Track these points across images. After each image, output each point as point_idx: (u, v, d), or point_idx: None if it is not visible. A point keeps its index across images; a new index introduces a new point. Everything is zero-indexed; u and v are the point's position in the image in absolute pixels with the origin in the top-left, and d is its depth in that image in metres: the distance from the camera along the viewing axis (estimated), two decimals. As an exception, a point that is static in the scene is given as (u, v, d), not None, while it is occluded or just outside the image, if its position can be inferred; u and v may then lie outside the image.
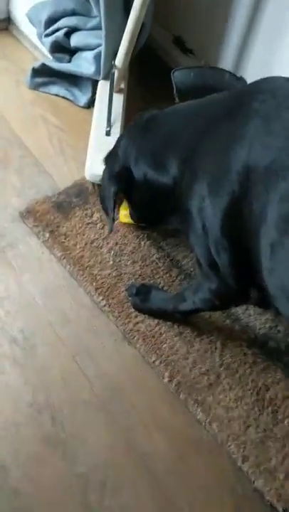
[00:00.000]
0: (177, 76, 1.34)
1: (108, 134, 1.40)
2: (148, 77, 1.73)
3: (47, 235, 1.31)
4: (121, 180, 1.12)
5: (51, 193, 1.41)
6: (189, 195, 0.97)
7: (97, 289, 1.24)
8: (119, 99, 1.52)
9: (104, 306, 1.22)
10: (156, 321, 1.21)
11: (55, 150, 1.53)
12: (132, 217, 1.30)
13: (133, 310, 1.21)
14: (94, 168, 1.34)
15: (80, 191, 1.40)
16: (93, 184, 1.35)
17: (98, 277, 1.26)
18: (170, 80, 1.36)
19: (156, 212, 1.17)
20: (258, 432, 1.09)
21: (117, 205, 1.18)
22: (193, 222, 0.96)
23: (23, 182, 1.44)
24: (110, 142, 1.35)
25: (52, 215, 1.34)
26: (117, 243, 1.32)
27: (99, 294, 1.23)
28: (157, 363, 1.16)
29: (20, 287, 1.25)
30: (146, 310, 1.20)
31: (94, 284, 1.24)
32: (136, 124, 1.15)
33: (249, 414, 1.11)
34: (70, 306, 1.23)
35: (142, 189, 1.11)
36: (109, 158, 1.19)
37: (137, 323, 1.20)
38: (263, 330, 1.22)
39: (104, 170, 1.19)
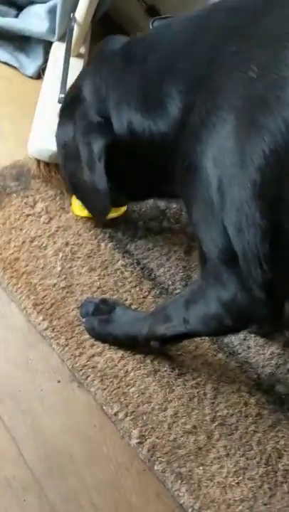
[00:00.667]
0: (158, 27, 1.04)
1: (60, 101, 1.06)
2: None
3: None
4: (105, 128, 0.74)
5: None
6: (199, 138, 0.62)
7: (36, 305, 0.86)
8: (77, 65, 1.19)
9: (46, 329, 0.84)
10: (120, 352, 0.83)
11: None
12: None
13: (88, 336, 0.84)
14: (41, 141, 0.97)
15: (19, 174, 1.03)
16: (38, 162, 0.98)
17: (39, 288, 0.88)
18: None
19: (144, 182, 0.80)
20: (270, 525, 0.75)
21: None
22: (202, 184, 0.62)
23: None
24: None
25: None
26: (67, 243, 0.95)
27: (38, 312, 0.85)
28: (121, 415, 0.78)
29: None
30: (107, 337, 0.83)
31: (32, 297, 0.86)
32: (106, 54, 0.78)
33: (256, 495, 0.76)
34: (-5, 330, 0.86)
35: (124, 149, 0.74)
36: (71, 106, 0.81)
37: (93, 355, 0.83)
38: (268, 368, 0.88)
39: (70, 125, 0.80)
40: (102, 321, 0.83)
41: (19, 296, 0.87)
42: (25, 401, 0.78)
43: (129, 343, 0.83)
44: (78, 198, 0.89)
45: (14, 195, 0.99)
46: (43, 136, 0.98)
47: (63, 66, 1.11)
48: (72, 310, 0.87)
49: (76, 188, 0.84)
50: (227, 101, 0.60)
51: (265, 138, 0.55)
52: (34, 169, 1.00)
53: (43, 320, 0.84)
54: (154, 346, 0.80)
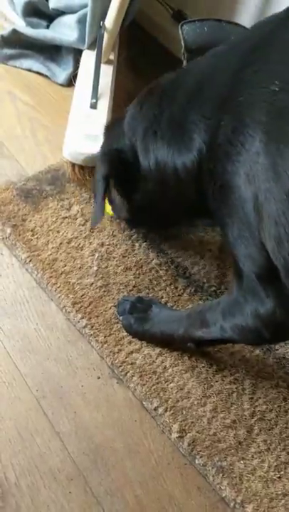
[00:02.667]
0: (187, 30, 1.04)
1: (94, 106, 1.08)
2: (139, 59, 1.43)
3: (8, 230, 0.95)
4: (115, 161, 0.79)
5: (16, 178, 1.07)
6: (229, 158, 0.63)
7: (75, 303, 0.88)
8: (107, 71, 1.21)
9: (85, 327, 0.86)
10: (157, 349, 0.84)
11: (24, 131, 1.19)
12: (127, 222, 0.95)
13: (125, 334, 0.86)
14: (74, 144, 0.99)
15: (54, 178, 1.06)
16: (73, 166, 1.01)
17: (77, 288, 0.90)
18: (164, 64, 1.07)
19: (170, 213, 0.83)
20: (313, 519, 0.74)
21: (108, 192, 0.82)
22: (238, 202, 0.62)
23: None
24: (95, 116, 1.05)
25: (16, 206, 0.99)
26: (103, 244, 0.97)
27: (77, 310, 0.87)
28: (161, 410, 0.79)
29: None
30: (144, 334, 0.84)
31: (71, 296, 0.88)
32: (150, 90, 0.81)
33: (298, 489, 0.76)
34: (36, 327, 0.86)
35: (150, 180, 0.77)
36: (111, 129, 0.86)
37: (131, 352, 0.84)
38: (306, 364, 0.89)
39: (102, 143, 0.86)
40: (138, 319, 0.84)
41: (58, 296, 0.89)
42: (67, 397, 0.79)
43: (166, 341, 0.84)
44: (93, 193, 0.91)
45: (50, 198, 1.02)
46: (76, 140, 1.01)
47: (94, 72, 1.13)
48: (110, 308, 0.88)
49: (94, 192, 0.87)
50: (252, 117, 0.61)
51: None
52: (69, 172, 1.02)
53: (82, 318, 0.86)
54: (190, 347, 0.81)
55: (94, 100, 1.09)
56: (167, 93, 0.77)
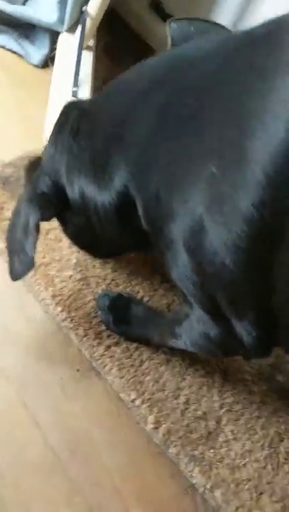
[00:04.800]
0: (175, 28, 1.03)
1: (75, 95, 1.06)
2: (115, 49, 1.41)
3: (-15, 218, 0.95)
4: (46, 204, 0.75)
5: (-5, 165, 1.05)
6: (163, 213, 0.62)
7: (54, 296, 0.89)
8: (87, 58, 1.18)
9: (65, 320, 0.87)
10: (135, 343, 0.88)
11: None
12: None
13: (104, 328, 0.88)
14: None
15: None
16: None
17: (56, 280, 0.90)
18: (139, 52, 1.06)
19: (109, 244, 0.82)
20: (274, 502, 0.80)
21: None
22: (179, 255, 0.63)
23: None
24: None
25: (-6, 193, 0.98)
26: (81, 236, 0.98)
27: (57, 303, 0.87)
28: (138, 402, 0.82)
29: None
30: (121, 333, 0.86)
31: (50, 289, 0.88)
32: (65, 121, 0.77)
33: (261, 474, 0.82)
34: (14, 320, 0.86)
35: (81, 213, 0.75)
36: (30, 172, 0.82)
37: (110, 346, 0.86)
38: (269, 359, 0.94)
39: (25, 189, 0.81)
40: (117, 319, 0.86)
41: (37, 288, 0.88)
42: (46, 388, 0.80)
43: (143, 342, 0.86)
44: (7, 248, 0.80)
45: (28, 187, 1.01)
46: None
47: (76, 59, 1.11)
48: (89, 301, 0.89)
49: (9, 239, 0.80)
50: (190, 175, 0.59)
51: (249, 217, 0.55)
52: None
53: (62, 311, 0.87)
54: (165, 351, 0.85)
55: (75, 88, 1.07)
56: (88, 123, 0.73)
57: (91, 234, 0.76)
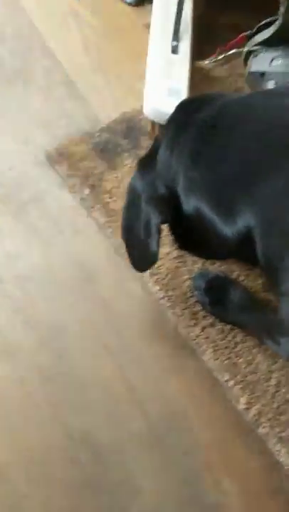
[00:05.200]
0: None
1: (175, 51, 0.99)
2: None
3: (86, 190, 0.93)
4: (166, 207, 0.74)
5: (89, 127, 1.02)
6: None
7: (152, 274, 0.91)
8: (186, 6, 1.08)
9: (162, 298, 0.89)
10: (229, 325, 0.89)
11: (94, 64, 1.11)
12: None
13: (200, 308, 0.91)
14: (157, 101, 0.92)
15: (129, 130, 1.01)
16: (153, 124, 0.95)
17: (155, 257, 0.93)
18: None
19: (217, 252, 0.81)
20: None
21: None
22: None
23: (49, 107, 1.03)
24: (177, 64, 0.96)
25: (93, 162, 0.96)
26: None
27: (155, 281, 0.89)
28: (231, 383, 0.86)
29: (47, 263, 0.89)
30: (217, 316, 0.87)
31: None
32: (184, 124, 0.73)
33: None
34: (114, 295, 0.89)
35: (193, 223, 0.74)
36: (147, 163, 0.78)
37: (205, 327, 0.88)
38: None
39: (140, 180, 0.78)
40: (213, 302, 0.86)
41: (136, 264, 0.91)
42: (146, 365, 0.85)
43: (238, 327, 0.87)
44: (125, 241, 0.82)
45: (126, 154, 0.98)
46: (159, 97, 0.94)
47: (176, 11, 1.00)
48: (186, 280, 0.90)
49: (127, 232, 0.81)
50: None
51: None
52: (149, 130, 0.97)
53: (160, 290, 0.89)
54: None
55: (175, 43, 0.99)
56: (214, 141, 0.68)
57: (199, 240, 0.76)
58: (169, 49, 0.98)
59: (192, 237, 0.78)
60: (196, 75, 1.03)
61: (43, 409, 0.80)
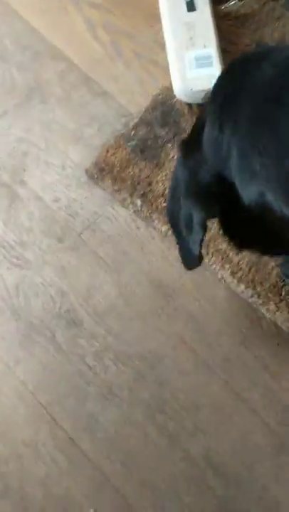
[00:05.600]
0: None
1: (191, 7, 0.84)
2: None
3: (138, 201, 0.86)
4: (212, 200, 0.60)
5: (121, 125, 0.92)
6: None
7: (233, 273, 0.83)
8: None
9: (252, 297, 0.81)
10: None
11: (106, 49, 0.98)
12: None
13: (297, 297, 0.82)
14: (184, 78, 0.81)
15: (165, 115, 0.90)
16: (189, 106, 0.85)
17: (231, 254, 0.83)
18: None
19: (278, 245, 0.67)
20: None
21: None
22: None
23: (74, 116, 0.94)
24: (199, 24, 0.82)
25: (136, 167, 0.87)
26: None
27: (239, 280, 0.81)
28: None
29: (121, 291, 0.84)
30: None
31: (226, 266, 0.82)
32: (233, 94, 0.56)
33: None
34: (199, 306, 0.82)
35: (254, 214, 0.59)
36: (188, 149, 0.64)
37: (308, 315, 0.81)
38: None
39: (182, 168, 0.64)
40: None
41: (213, 266, 0.83)
42: (250, 370, 0.79)
43: None
44: (174, 233, 0.71)
45: (169, 145, 0.88)
46: (187, 74, 0.82)
47: None
48: (272, 270, 0.81)
49: (173, 229, 0.69)
50: None
51: None
52: (186, 114, 0.85)
53: (246, 288, 0.81)
54: None
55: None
56: (269, 107, 0.52)
57: (265, 234, 0.63)
58: (184, 8, 0.83)
59: (254, 231, 0.65)
60: (223, 25, 0.88)
61: (161, 439, 0.78)
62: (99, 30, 0.99)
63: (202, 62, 0.79)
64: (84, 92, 0.95)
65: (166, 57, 0.90)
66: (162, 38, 0.90)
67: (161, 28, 0.89)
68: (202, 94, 0.78)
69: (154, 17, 0.94)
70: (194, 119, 0.85)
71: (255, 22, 0.92)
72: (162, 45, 0.91)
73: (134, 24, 0.97)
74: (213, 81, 0.65)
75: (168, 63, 0.89)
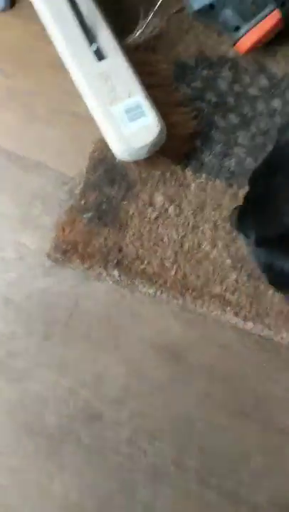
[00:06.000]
0: None
1: (101, 55, 0.76)
2: None
3: (115, 272, 0.80)
4: None
5: (66, 193, 0.84)
6: None
7: (236, 313, 0.77)
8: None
9: (263, 330, 0.76)
10: None
11: (20, 116, 0.89)
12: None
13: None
14: (119, 138, 0.73)
15: (108, 172, 0.83)
16: (136, 163, 0.77)
17: (228, 295, 0.79)
18: None
19: None
20: None
21: None
22: None
23: (13, 198, 0.86)
24: (112, 69, 0.75)
25: (100, 236, 0.81)
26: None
27: (244, 318, 0.76)
28: None
29: (128, 368, 0.78)
30: None
31: (228, 308, 0.77)
32: None
33: None
34: (213, 355, 0.78)
35: None
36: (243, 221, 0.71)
37: None
38: None
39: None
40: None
41: (214, 313, 0.79)
42: (283, 402, 0.77)
43: None
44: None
45: (125, 203, 0.81)
46: (120, 132, 0.73)
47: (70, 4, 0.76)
48: (273, 296, 0.78)
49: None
50: None
51: None
52: (136, 173, 0.79)
53: (255, 324, 0.77)
54: None
55: (95, 46, 0.76)
56: None
57: None
58: (92, 57, 0.76)
59: None
60: (136, 59, 0.81)
61: (222, 500, 0.75)
62: (5, 98, 0.91)
63: (133, 114, 0.72)
64: (14, 170, 0.87)
65: (85, 106, 0.84)
66: (74, 86, 0.83)
67: (69, 77, 0.82)
68: (146, 149, 0.73)
69: (58, 67, 0.87)
70: (139, 170, 0.81)
71: (167, 42, 0.87)
72: (78, 95, 0.84)
73: (40, 80, 0.90)
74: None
75: (87, 116, 0.83)
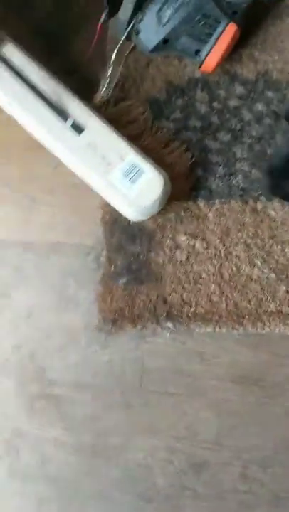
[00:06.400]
0: None
1: (79, 129, 0.75)
2: None
3: (168, 324, 0.80)
4: None
5: (92, 262, 0.84)
6: None
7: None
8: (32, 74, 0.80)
9: None
10: None
11: (21, 205, 0.90)
12: None
13: None
14: (132, 201, 0.73)
15: (125, 231, 0.83)
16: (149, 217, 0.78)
17: (283, 308, 0.79)
18: None
19: None
20: None
21: None
22: None
23: (45, 286, 0.86)
24: (97, 139, 0.75)
25: (142, 295, 0.80)
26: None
27: None
28: None
29: (212, 411, 0.78)
30: None
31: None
32: None
33: None
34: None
35: None
36: None
37: None
38: None
39: None
40: None
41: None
42: None
43: None
44: None
45: (152, 254, 0.81)
46: (131, 198, 0.74)
47: (28, 86, 0.75)
48: None
49: None
50: None
51: None
52: (151, 223, 0.79)
53: None
54: None
55: (71, 120, 0.75)
56: None
57: None
58: (71, 133, 0.76)
59: None
60: (109, 115, 0.80)
61: None
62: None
63: (133, 175, 0.72)
64: (31, 257, 0.87)
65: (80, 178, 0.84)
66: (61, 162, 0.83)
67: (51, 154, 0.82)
68: (157, 203, 0.73)
69: (36, 148, 0.87)
70: (154, 218, 0.81)
71: (132, 85, 0.85)
72: (66, 168, 0.84)
73: (29, 166, 0.89)
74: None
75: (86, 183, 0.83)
